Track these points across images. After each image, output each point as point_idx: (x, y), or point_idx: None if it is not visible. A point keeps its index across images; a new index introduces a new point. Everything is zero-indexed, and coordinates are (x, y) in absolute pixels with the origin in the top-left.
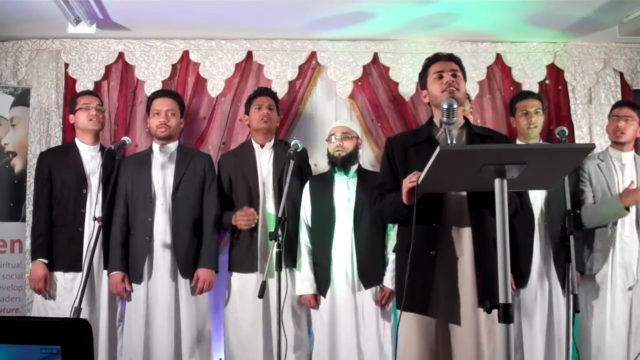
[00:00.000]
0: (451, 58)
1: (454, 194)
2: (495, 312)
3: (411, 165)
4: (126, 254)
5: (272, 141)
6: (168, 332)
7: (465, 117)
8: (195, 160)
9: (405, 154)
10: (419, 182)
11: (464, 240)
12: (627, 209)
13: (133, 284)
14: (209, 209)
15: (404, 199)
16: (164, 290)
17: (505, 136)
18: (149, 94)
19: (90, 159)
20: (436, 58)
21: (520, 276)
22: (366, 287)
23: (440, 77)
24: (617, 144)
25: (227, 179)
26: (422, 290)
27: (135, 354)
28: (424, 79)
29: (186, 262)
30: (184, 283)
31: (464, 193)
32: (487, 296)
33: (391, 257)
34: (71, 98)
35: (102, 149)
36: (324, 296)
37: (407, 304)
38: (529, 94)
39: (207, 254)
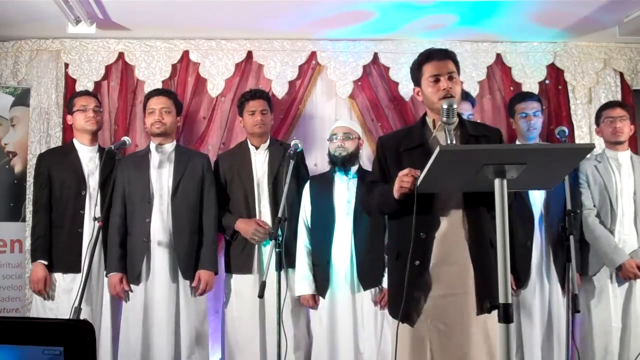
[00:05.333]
0: (447, 56)
1: (448, 195)
2: (493, 317)
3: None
4: (124, 255)
5: (267, 142)
6: (167, 333)
7: (459, 116)
8: (193, 161)
9: (398, 159)
10: (417, 184)
11: (459, 246)
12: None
13: (131, 285)
14: (208, 210)
15: (395, 193)
16: (162, 291)
17: (498, 130)
18: None
19: (89, 159)
20: (431, 56)
21: (519, 278)
22: (365, 288)
23: (437, 81)
24: (614, 144)
25: (224, 179)
26: (409, 300)
27: (133, 355)
28: (417, 77)
29: (187, 263)
30: (183, 284)
31: (460, 194)
32: (486, 300)
33: None
34: (68, 99)
35: (100, 149)
36: (323, 297)
37: (395, 312)
38: (527, 96)
39: (208, 255)
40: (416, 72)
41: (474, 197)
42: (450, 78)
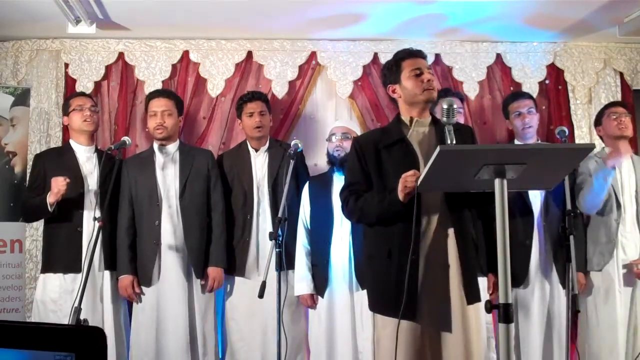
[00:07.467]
0: (424, 56)
1: (432, 194)
2: (478, 305)
3: (384, 166)
4: (134, 257)
5: (267, 145)
6: (183, 333)
7: (431, 114)
8: (197, 159)
9: (377, 156)
10: (418, 184)
11: (448, 240)
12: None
13: (142, 287)
14: (216, 206)
15: (401, 197)
16: (175, 292)
17: (470, 128)
18: None
19: (86, 159)
20: (409, 54)
21: (514, 277)
22: (363, 287)
23: (419, 74)
24: (617, 139)
25: (225, 180)
26: (410, 296)
27: (146, 355)
28: (395, 75)
29: (199, 263)
30: (197, 284)
31: (441, 193)
32: (475, 293)
33: None
34: (64, 101)
35: (97, 149)
36: (322, 296)
37: (393, 310)
38: (519, 95)
39: (216, 251)
40: (394, 69)
41: (456, 195)
42: (430, 74)
